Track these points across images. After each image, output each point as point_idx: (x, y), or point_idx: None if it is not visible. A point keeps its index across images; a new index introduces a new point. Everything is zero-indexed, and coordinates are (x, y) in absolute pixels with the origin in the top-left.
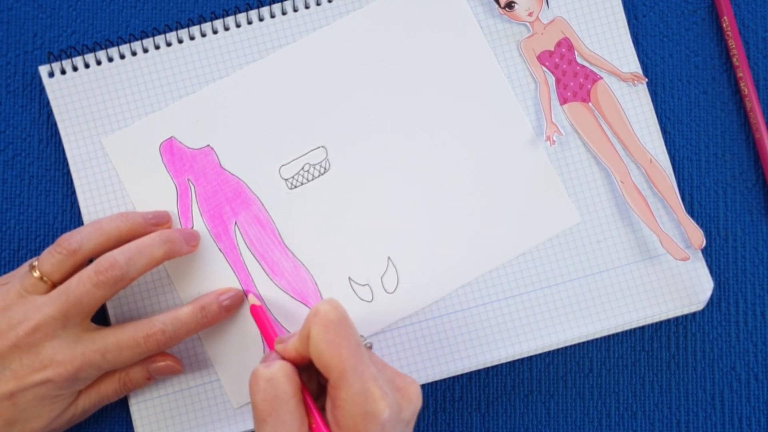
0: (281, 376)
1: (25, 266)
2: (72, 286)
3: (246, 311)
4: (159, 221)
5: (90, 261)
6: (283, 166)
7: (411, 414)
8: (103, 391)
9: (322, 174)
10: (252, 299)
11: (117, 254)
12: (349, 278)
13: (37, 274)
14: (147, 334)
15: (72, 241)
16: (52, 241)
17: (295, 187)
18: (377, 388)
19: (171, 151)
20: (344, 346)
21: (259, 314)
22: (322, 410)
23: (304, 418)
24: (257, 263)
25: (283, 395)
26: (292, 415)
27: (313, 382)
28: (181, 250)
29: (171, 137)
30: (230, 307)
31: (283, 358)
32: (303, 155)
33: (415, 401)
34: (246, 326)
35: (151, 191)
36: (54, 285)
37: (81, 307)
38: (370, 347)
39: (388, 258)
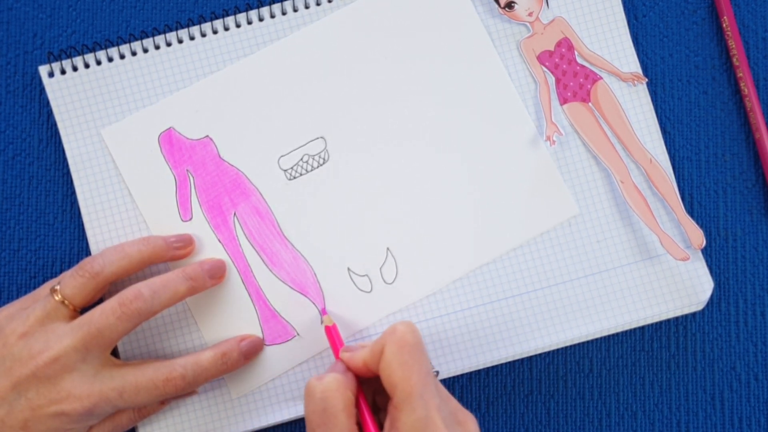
0: (332, 390)
1: (46, 289)
2: (95, 317)
3: (245, 296)
4: (182, 244)
5: (111, 286)
6: (282, 156)
7: None
8: (116, 421)
9: (321, 165)
10: (327, 321)
11: (142, 287)
12: (348, 269)
13: (58, 297)
14: (167, 378)
15: (94, 264)
16: (52, 241)
17: (294, 177)
18: (440, 418)
19: (170, 142)
20: (416, 371)
21: (331, 333)
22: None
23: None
24: (256, 254)
25: (332, 409)
26: (341, 430)
27: (368, 397)
28: (204, 285)
29: (170, 128)
30: (249, 354)
31: (348, 367)
32: (302, 146)
33: None
34: (245, 316)
35: (150, 182)
36: (75, 309)
37: (102, 339)
38: (437, 375)
39: (387, 249)
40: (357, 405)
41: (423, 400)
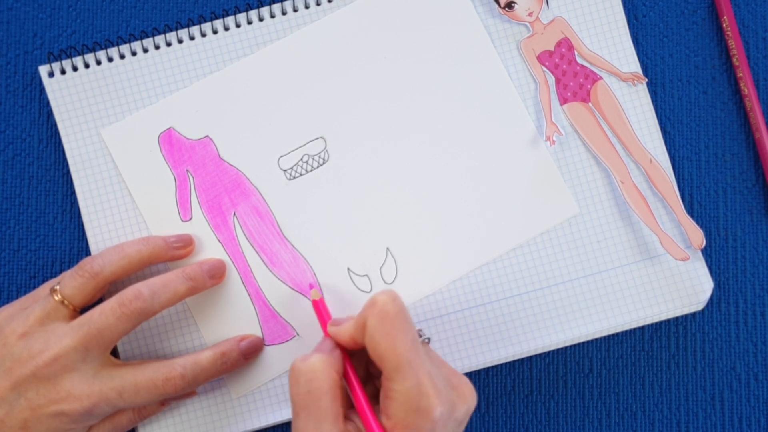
0: (316, 371)
1: (45, 289)
2: (94, 317)
3: (245, 296)
4: (181, 244)
5: (111, 286)
6: (282, 156)
7: (464, 413)
8: (116, 421)
9: (321, 165)
10: (314, 294)
11: (141, 287)
12: (348, 269)
13: (58, 297)
14: (166, 377)
15: (94, 264)
16: (52, 241)
17: (294, 178)
18: (431, 384)
19: (170, 142)
20: (400, 340)
21: (318, 307)
22: (370, 397)
23: (339, 413)
24: (256, 254)
25: (316, 391)
26: (325, 412)
27: (361, 368)
28: (204, 285)
29: (170, 128)
30: (248, 354)
31: (337, 342)
32: (302, 146)
33: (468, 401)
34: (245, 316)
35: (150, 182)
36: (75, 309)
37: (102, 339)
38: (428, 342)
39: (387, 249)
40: (347, 380)
41: (412, 368)
